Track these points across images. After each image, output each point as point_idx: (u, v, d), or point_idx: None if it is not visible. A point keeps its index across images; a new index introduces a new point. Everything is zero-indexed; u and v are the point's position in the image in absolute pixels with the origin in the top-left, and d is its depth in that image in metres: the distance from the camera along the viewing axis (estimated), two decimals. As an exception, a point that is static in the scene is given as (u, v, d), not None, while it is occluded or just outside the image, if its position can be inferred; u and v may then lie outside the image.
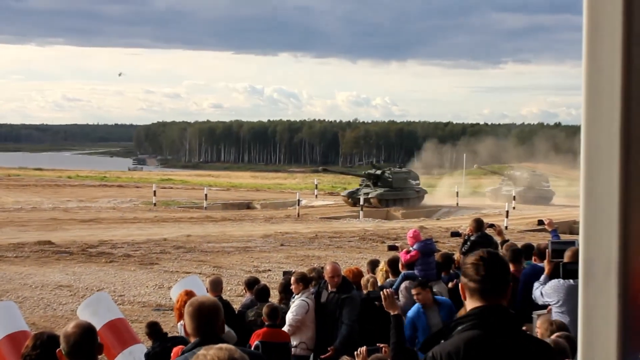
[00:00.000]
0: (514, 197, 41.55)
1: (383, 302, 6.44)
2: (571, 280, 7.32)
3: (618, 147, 1.39)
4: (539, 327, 6.24)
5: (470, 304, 3.24)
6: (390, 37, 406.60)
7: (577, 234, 1.60)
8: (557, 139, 71.30)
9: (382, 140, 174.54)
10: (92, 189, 49.32)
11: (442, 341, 3.22)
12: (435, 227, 31.02)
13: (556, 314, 7.34)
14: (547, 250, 8.10)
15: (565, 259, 7.41)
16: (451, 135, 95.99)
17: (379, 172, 43.54)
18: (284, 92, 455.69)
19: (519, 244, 11.18)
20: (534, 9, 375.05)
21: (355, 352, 6.10)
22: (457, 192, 46.48)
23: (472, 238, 11.03)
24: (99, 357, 4.44)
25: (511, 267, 9.55)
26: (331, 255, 21.36)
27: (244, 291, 10.56)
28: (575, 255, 7.27)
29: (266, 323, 8.19)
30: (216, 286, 9.48)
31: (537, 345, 3.36)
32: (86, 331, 4.17)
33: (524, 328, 4.94)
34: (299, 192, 42.45)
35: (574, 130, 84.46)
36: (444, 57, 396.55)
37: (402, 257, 10.23)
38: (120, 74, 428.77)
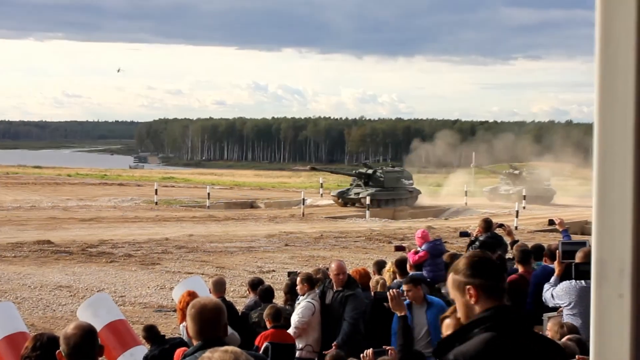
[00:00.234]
0: (524, 196, 41.02)
1: (389, 303, 6.33)
2: (583, 282, 7.21)
3: (632, 146, 1.35)
4: (549, 330, 6.19)
5: (482, 305, 3.15)
6: (397, 32, 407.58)
7: (589, 234, 1.51)
8: (570, 137, 70.90)
9: (389, 138, 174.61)
10: (93, 188, 49.22)
11: (457, 344, 3.11)
12: (444, 227, 30.94)
13: (567, 316, 7.24)
14: (557, 251, 7.97)
15: (577, 260, 7.28)
16: (460, 132, 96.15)
17: (370, 171, 42.70)
18: (289, 89, 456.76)
19: (529, 245, 11.03)
20: (545, 4, 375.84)
21: (362, 355, 6.01)
22: (466, 192, 46.28)
23: (481, 238, 10.90)
24: (100, 359, 4.46)
25: (520, 269, 9.48)
26: (337, 255, 21.15)
27: (248, 292, 10.46)
28: (587, 255, 7.13)
29: (271, 324, 8.09)
30: (219, 287, 9.42)
31: (551, 346, 3.36)
32: (87, 333, 4.15)
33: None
34: (303, 191, 42.19)
35: (585, 129, 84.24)
36: (452, 53, 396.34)
37: (411, 257, 10.11)
38: (118, 70, 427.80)
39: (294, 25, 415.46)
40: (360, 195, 40.04)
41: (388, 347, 6.37)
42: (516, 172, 49.22)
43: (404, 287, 8.09)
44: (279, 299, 10.59)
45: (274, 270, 19.08)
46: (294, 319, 8.58)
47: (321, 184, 49.88)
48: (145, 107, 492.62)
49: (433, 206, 43.40)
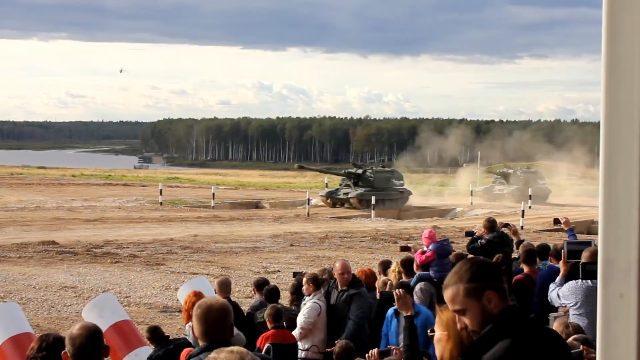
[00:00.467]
0: (530, 195, 40.71)
1: (396, 303, 6.31)
2: (589, 282, 7.17)
3: (638, 146, 1.36)
4: (555, 330, 6.10)
5: (499, 307, 3.12)
6: (403, 31, 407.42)
7: (596, 233, 1.50)
8: (577, 136, 70.60)
9: (395, 137, 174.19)
10: (97, 188, 49.26)
11: (485, 350, 3.03)
12: (449, 226, 30.89)
13: (573, 316, 7.20)
14: (563, 250, 7.94)
15: (583, 259, 7.24)
16: (466, 132, 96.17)
17: (359, 171, 42.19)
18: (294, 88, 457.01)
19: (535, 244, 10.99)
20: (550, 2, 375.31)
21: (367, 355, 5.99)
22: (472, 191, 46.13)
23: (488, 237, 10.87)
24: (105, 359, 4.39)
25: (526, 269, 9.47)
26: (342, 255, 21.11)
27: (253, 292, 10.43)
28: (594, 255, 7.10)
29: (272, 325, 8.08)
30: (224, 287, 9.39)
31: (560, 341, 3.33)
32: (92, 333, 4.15)
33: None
34: (308, 191, 42.18)
35: (591, 128, 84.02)
36: (457, 52, 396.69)
37: (417, 257, 10.08)
38: (121, 71, 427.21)
39: (299, 24, 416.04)
40: (349, 196, 39.83)
41: (393, 347, 6.35)
42: (510, 171, 49.13)
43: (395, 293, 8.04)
44: (285, 300, 10.58)
45: (279, 271, 19.06)
46: (300, 319, 8.57)
47: (326, 184, 49.79)
48: (149, 107, 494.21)
49: (430, 207, 43.25)
